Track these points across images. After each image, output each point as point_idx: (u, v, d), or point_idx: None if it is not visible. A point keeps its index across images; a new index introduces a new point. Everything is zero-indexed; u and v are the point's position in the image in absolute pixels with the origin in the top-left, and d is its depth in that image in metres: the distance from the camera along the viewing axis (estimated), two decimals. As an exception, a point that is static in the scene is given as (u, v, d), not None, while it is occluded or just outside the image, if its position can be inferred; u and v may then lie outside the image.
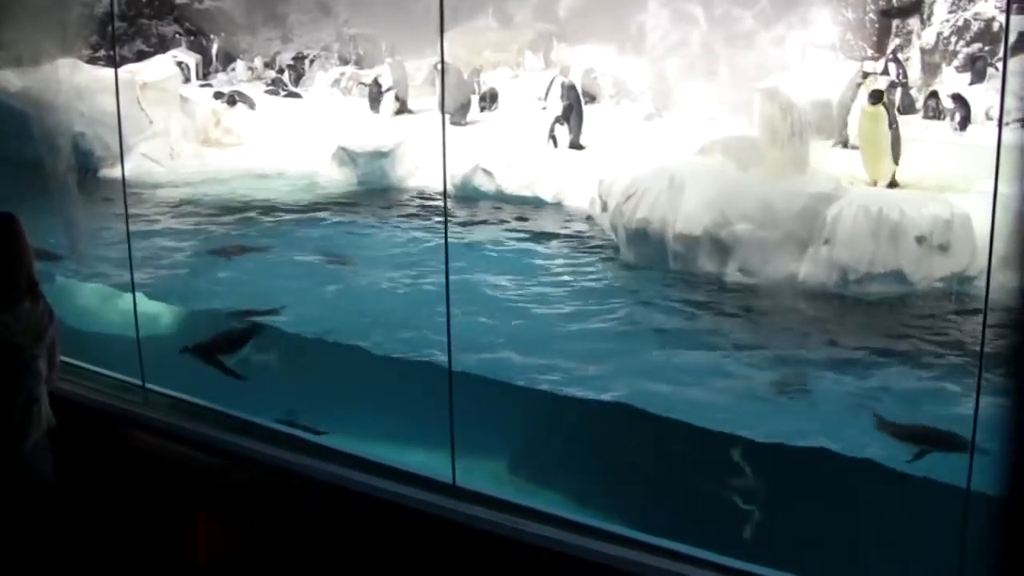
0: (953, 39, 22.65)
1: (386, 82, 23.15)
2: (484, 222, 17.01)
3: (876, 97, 15.55)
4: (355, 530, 4.98)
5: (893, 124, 15.30)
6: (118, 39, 29.81)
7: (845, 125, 17.53)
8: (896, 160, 15.16)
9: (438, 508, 4.78)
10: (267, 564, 5.21)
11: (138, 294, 9.44)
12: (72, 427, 5.52)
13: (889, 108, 15.79)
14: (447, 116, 22.04)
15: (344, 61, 29.53)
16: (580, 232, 16.22)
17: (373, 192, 19.05)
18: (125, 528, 5.71)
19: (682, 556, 4.53)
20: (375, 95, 23.37)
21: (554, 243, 15.78)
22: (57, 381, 5.57)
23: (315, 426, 8.49)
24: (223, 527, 5.24)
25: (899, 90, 20.60)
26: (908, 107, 20.36)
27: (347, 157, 19.74)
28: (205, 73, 29.89)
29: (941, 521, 5.44)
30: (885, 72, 21.75)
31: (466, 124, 21.09)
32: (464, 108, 21.54)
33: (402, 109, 23.09)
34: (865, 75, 19.71)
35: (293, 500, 5.15)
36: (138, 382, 6.47)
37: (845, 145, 17.32)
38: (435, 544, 4.81)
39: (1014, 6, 16.52)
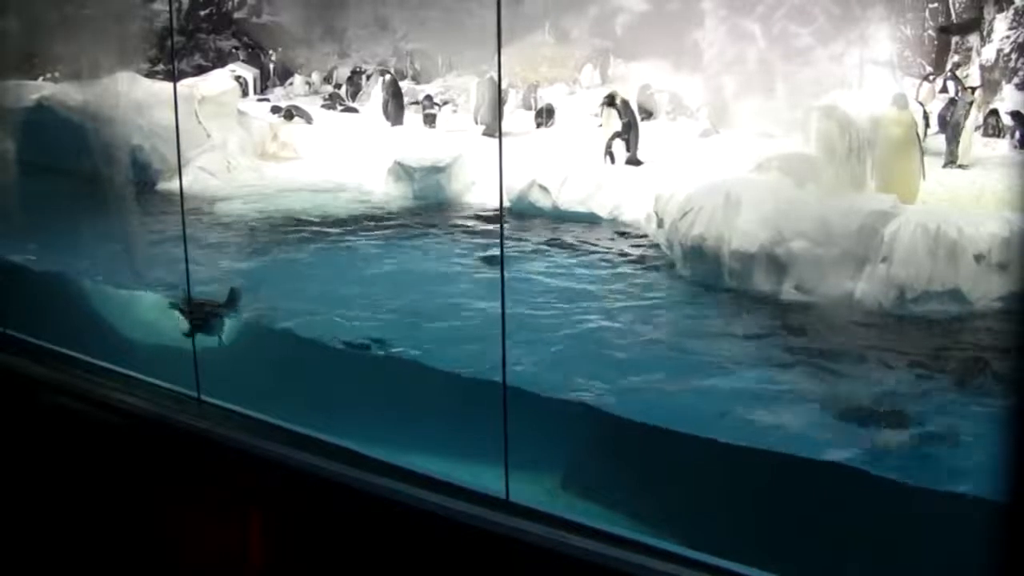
0: (1014, 56, 22.43)
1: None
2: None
3: (902, 103, 15.42)
4: (401, 542, 4.97)
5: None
6: (177, 53, 30.13)
7: (957, 145, 17.39)
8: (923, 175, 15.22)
9: (489, 523, 4.76)
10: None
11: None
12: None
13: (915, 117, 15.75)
14: (482, 128, 22.24)
15: (401, 76, 29.64)
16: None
17: (429, 207, 19.08)
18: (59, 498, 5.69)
19: None
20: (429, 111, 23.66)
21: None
22: None
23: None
24: (265, 535, 5.24)
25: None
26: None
27: (403, 172, 19.76)
28: (263, 87, 30.17)
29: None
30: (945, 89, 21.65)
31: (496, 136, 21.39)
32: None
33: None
34: (974, 91, 19.59)
35: (339, 511, 5.15)
36: (193, 394, 6.49)
37: (959, 165, 17.17)
38: (486, 559, 4.79)
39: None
